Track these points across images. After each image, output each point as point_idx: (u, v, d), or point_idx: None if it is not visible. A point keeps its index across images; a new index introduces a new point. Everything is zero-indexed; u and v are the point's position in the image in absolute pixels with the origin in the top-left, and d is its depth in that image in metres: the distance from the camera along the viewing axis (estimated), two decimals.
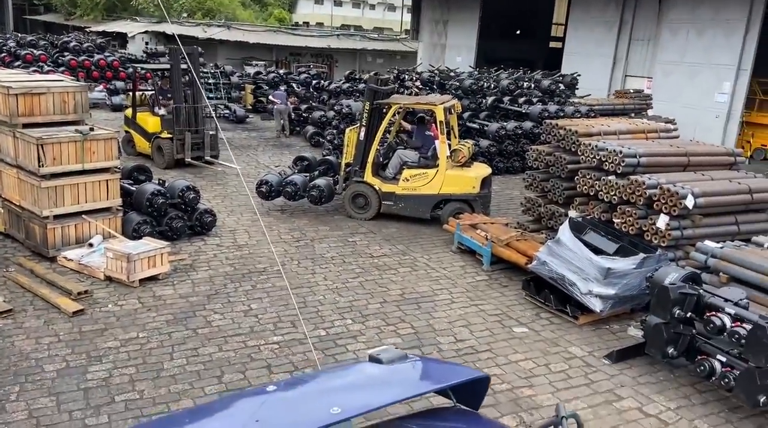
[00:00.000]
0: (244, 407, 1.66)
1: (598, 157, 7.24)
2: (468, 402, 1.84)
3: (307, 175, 9.88)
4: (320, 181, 9.53)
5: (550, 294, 6.57)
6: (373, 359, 1.84)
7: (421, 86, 14.88)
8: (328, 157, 10.90)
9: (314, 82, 19.48)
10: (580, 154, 7.57)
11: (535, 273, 6.75)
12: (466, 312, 6.54)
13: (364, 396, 1.68)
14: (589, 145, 7.42)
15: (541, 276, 6.62)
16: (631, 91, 17.02)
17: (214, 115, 12.47)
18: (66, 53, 20.57)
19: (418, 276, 7.45)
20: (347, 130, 10.10)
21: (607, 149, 7.18)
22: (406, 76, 15.34)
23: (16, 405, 4.52)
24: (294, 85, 19.60)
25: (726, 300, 4.96)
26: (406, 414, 2.29)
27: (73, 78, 11.33)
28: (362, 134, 9.36)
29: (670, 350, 5.20)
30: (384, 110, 9.35)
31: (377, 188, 9.37)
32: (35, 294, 6.26)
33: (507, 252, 7.50)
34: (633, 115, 14.80)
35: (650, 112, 15.83)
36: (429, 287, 7.13)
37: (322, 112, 15.74)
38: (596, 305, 6.12)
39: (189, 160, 11.68)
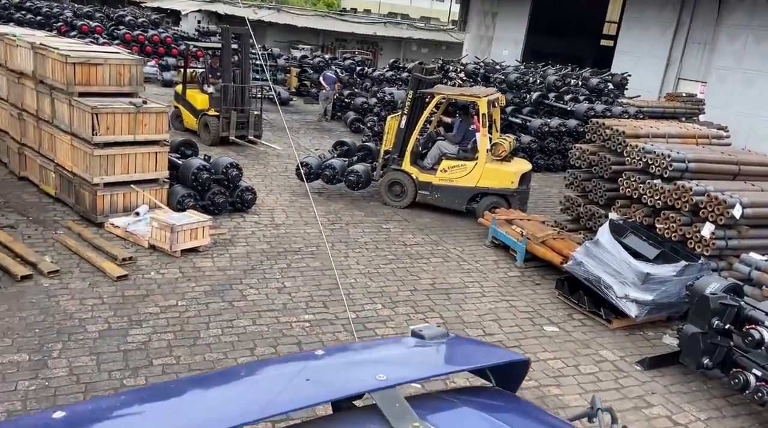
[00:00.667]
0: (294, 367, 1.73)
1: (644, 160, 7.08)
2: (506, 384, 1.87)
3: (346, 159, 9.96)
4: (358, 167, 9.60)
5: (584, 296, 6.50)
6: (416, 334, 1.89)
7: (465, 78, 14.78)
8: (367, 144, 10.95)
9: (358, 68, 19.53)
10: (625, 155, 7.41)
11: (569, 273, 6.68)
12: (497, 306, 6.52)
13: (407, 368, 1.74)
14: (636, 146, 7.26)
15: (576, 276, 6.55)
16: (684, 94, 16.46)
17: (275, 96, 12.88)
18: (121, 27, 21.07)
19: (450, 267, 7.46)
20: (388, 118, 10.13)
21: (654, 152, 7.01)
22: (451, 67, 15.26)
23: (57, 362, 4.72)
24: (338, 70, 19.67)
25: (767, 314, 4.83)
26: (443, 389, 2.33)
27: (128, 51, 11.64)
28: (403, 122, 9.36)
29: (706, 360, 5.09)
30: (427, 100, 9.33)
31: (414, 177, 9.38)
32: (82, 257, 6.52)
33: (542, 249, 7.44)
34: (684, 119, 14.33)
35: (702, 118, 15.30)
36: (460, 279, 7.14)
37: (364, 99, 15.78)
38: (632, 310, 6.03)
39: (233, 138, 11.92)
